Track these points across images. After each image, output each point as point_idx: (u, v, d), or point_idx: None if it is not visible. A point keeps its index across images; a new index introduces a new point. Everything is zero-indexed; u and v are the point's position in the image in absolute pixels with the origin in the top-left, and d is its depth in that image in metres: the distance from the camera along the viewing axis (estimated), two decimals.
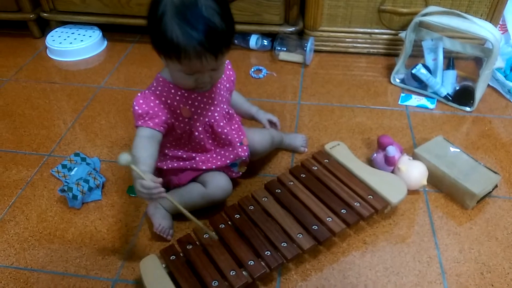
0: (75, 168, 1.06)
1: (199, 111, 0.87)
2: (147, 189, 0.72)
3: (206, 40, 0.72)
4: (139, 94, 0.85)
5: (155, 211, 0.93)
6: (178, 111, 0.86)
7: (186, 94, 0.85)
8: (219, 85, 0.91)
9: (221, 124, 0.91)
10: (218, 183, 0.91)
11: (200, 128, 0.89)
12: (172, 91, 0.84)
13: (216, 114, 0.90)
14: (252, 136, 0.98)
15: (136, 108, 0.82)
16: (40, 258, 0.90)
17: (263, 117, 1.06)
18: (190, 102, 0.86)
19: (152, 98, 0.83)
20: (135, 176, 0.74)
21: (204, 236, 0.84)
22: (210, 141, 0.93)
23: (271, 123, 1.06)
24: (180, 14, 0.71)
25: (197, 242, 0.85)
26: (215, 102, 0.90)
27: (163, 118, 0.84)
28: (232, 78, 0.96)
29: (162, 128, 0.84)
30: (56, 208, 1.00)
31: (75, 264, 0.88)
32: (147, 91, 0.85)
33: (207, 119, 0.89)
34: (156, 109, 0.83)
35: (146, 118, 0.83)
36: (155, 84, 0.86)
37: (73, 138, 1.21)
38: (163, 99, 0.84)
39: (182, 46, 0.72)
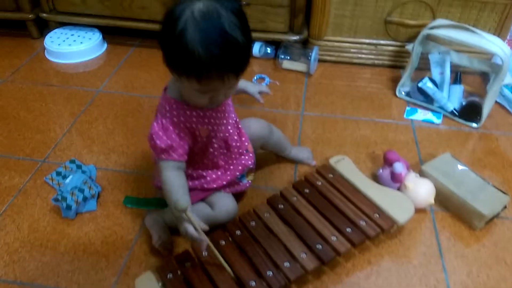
0: (70, 176, 1.02)
1: (215, 127, 0.84)
2: (191, 237, 0.75)
3: (230, 60, 0.68)
4: (155, 124, 0.79)
5: (154, 223, 0.89)
6: (197, 133, 0.82)
7: (201, 114, 0.81)
8: None
9: (235, 137, 0.89)
10: (225, 207, 0.89)
11: (215, 145, 0.86)
12: (188, 112, 0.79)
13: (229, 127, 0.87)
14: (248, 124, 0.96)
15: (158, 142, 0.78)
16: (30, 271, 0.86)
17: (254, 91, 1.01)
18: (206, 120, 0.82)
19: (171, 128, 0.79)
20: (182, 218, 0.75)
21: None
22: (222, 157, 0.90)
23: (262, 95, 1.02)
24: (203, 31, 0.65)
25: (196, 260, 0.82)
26: (226, 115, 0.86)
27: (186, 147, 0.81)
28: None
29: (186, 156, 0.82)
30: (48, 218, 0.96)
31: (67, 278, 0.84)
32: (164, 120, 0.79)
33: (221, 134, 0.86)
34: (177, 139, 0.79)
35: (170, 152, 0.79)
36: (167, 108, 0.79)
37: (69, 144, 1.17)
38: (181, 125, 0.79)
39: (205, 67, 0.67)
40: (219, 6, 0.66)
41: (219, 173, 0.91)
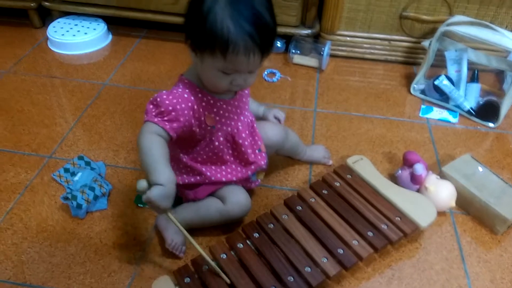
0: (79, 173, 0.99)
1: (223, 120, 0.81)
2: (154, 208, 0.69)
3: (258, 35, 0.69)
4: (165, 91, 0.76)
5: (167, 225, 0.86)
6: (203, 118, 0.79)
7: (212, 101, 0.79)
8: (241, 92, 0.85)
9: (243, 135, 0.85)
10: (237, 200, 0.85)
11: (221, 138, 0.83)
12: (199, 95, 0.78)
13: (239, 124, 0.84)
14: (264, 129, 0.93)
15: (160, 101, 0.73)
16: (41, 273, 0.82)
17: (270, 115, 1.00)
18: (215, 110, 0.80)
19: (180, 100, 0.75)
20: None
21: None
22: (230, 152, 0.86)
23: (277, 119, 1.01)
24: (234, 8, 0.67)
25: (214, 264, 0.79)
26: (238, 111, 0.84)
27: (181, 125, 0.76)
28: None
29: (175, 135, 0.76)
30: (57, 217, 0.93)
31: (78, 281, 0.81)
32: (175, 90, 0.77)
33: (229, 129, 0.83)
34: (180, 112, 0.75)
35: (165, 118, 0.74)
36: (181, 86, 0.78)
37: (76, 139, 1.13)
38: (189, 104, 0.76)
39: (233, 39, 0.67)
40: None
41: (224, 167, 0.87)
